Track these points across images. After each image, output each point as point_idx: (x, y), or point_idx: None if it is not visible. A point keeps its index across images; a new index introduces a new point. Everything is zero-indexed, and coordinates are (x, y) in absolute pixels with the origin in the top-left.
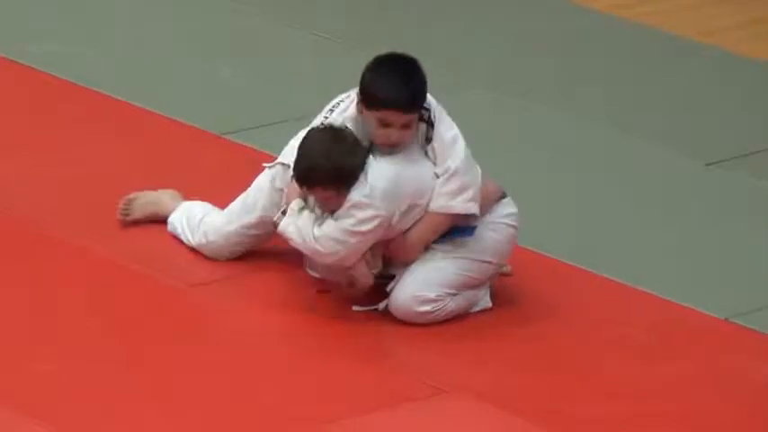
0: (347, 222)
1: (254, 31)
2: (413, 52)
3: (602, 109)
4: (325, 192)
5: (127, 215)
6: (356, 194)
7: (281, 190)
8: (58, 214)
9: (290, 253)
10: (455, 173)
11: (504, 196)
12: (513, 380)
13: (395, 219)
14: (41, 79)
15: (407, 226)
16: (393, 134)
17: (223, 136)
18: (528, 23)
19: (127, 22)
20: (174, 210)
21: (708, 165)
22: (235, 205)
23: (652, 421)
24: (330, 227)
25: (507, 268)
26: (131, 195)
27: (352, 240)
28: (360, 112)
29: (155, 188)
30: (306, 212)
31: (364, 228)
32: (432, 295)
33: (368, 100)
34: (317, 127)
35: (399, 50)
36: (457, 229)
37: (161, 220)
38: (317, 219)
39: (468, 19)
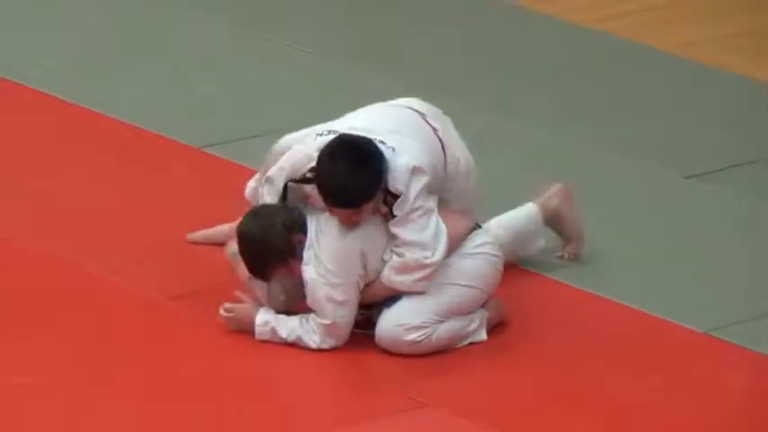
0: (323, 315)
1: (228, 44)
2: (387, 65)
3: (579, 121)
4: (280, 273)
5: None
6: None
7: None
8: (33, 226)
9: None
10: (405, 261)
11: (476, 228)
12: (492, 393)
13: (363, 276)
14: (20, 92)
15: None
16: (339, 216)
17: (201, 149)
18: (504, 36)
19: (100, 36)
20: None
21: (686, 178)
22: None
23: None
24: (318, 328)
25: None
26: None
27: (339, 315)
28: None
29: (128, 199)
30: (282, 318)
31: (339, 310)
32: (417, 322)
33: (317, 186)
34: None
35: (374, 61)
36: None
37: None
38: (301, 318)
39: (444, 31)
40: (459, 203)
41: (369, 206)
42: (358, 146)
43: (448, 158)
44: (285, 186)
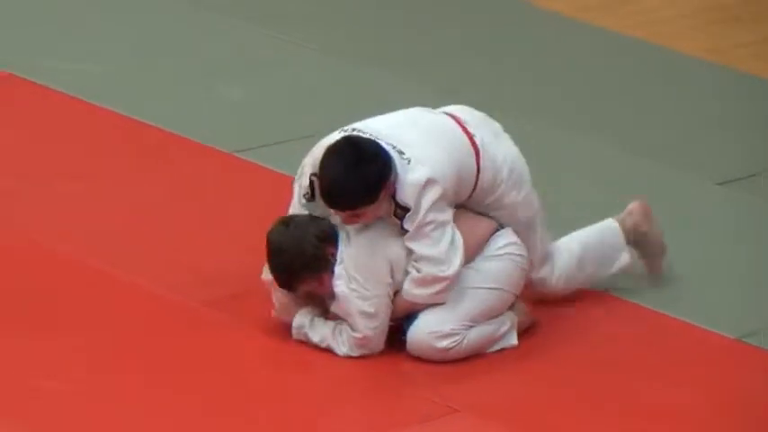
0: (354, 328)
1: (251, 47)
2: (407, 66)
3: (612, 127)
4: (309, 284)
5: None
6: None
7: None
8: (62, 230)
9: None
10: (423, 275)
11: (498, 229)
12: (524, 399)
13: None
14: (49, 95)
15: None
16: (341, 217)
17: (232, 153)
18: (530, 39)
19: (131, 40)
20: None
21: (718, 184)
22: None
23: None
24: (349, 340)
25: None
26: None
27: (371, 327)
28: None
29: (157, 202)
30: (318, 323)
31: (370, 323)
32: (447, 329)
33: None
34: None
35: (398, 64)
36: None
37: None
38: (335, 328)
39: (464, 31)
40: (498, 212)
41: (372, 209)
42: (359, 146)
43: (483, 167)
44: (312, 183)
